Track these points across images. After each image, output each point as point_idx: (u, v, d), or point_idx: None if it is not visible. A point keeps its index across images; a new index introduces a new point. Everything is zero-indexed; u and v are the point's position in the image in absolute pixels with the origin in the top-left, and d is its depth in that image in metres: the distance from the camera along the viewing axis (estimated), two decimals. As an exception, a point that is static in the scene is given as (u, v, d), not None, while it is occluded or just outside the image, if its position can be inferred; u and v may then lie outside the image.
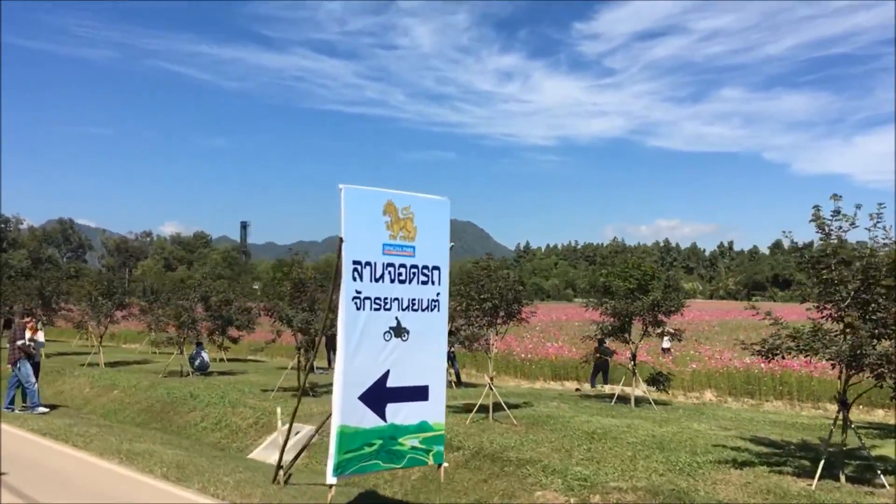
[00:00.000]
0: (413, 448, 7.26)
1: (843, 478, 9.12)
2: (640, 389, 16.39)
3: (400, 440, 7.17)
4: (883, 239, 8.77)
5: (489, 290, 13.26)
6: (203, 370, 22.10)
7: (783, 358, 9.12)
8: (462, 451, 11.53)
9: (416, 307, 7.31)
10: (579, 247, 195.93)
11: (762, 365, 19.93)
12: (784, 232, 9.74)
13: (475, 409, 13.66)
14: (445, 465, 7.75)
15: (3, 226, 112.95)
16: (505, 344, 23.83)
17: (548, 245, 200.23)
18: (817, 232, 9.08)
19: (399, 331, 7.17)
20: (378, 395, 7.01)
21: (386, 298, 7.09)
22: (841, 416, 9.34)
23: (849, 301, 8.73)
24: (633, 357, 15.84)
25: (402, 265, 7.21)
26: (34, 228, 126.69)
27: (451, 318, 12.75)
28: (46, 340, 17.39)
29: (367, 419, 6.95)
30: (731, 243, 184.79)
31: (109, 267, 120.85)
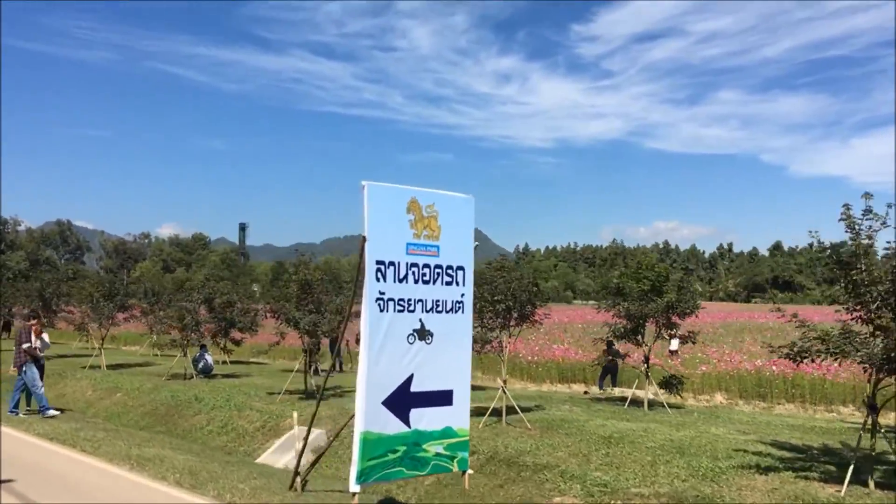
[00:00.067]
0: (437, 455, 7.02)
1: (871, 484, 8.88)
2: (651, 392, 16.15)
3: (424, 446, 6.93)
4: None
5: (502, 292, 13.03)
6: (207, 373, 21.83)
7: (812, 361, 8.88)
8: (476, 456, 11.28)
9: (440, 309, 7.07)
10: (578, 248, 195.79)
11: (773, 367, 19.72)
12: (810, 232, 9.51)
13: (488, 413, 13.42)
14: (470, 471, 7.50)
15: (1, 227, 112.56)
16: (511, 346, 23.52)
17: (547, 247, 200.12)
18: (847, 231, 8.85)
19: (423, 333, 6.93)
20: (402, 400, 6.77)
21: (410, 300, 6.84)
22: (870, 421, 9.10)
23: (878, 303, 8.51)
24: (647, 360, 15.61)
25: (426, 265, 6.96)
26: (32, 230, 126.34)
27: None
28: (47, 342, 17.13)
29: (391, 425, 6.70)
30: (730, 245, 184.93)
31: (108, 269, 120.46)
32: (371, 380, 6.59)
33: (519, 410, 13.42)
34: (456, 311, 7.20)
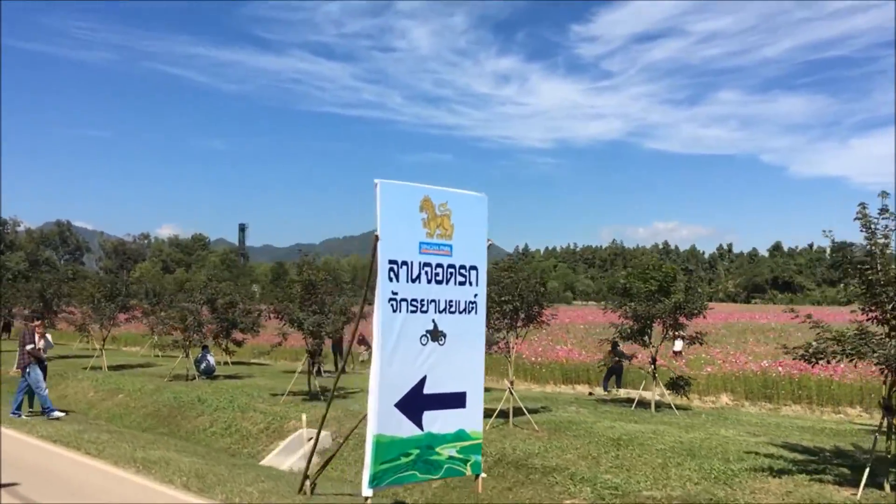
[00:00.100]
0: (450, 458, 6.89)
1: (887, 486, 8.76)
2: (657, 393, 16.03)
3: (437, 449, 6.80)
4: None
5: (510, 292, 12.90)
6: (209, 374, 21.69)
7: (828, 362, 8.76)
8: (485, 458, 11.10)
9: (453, 309, 6.94)
10: (578, 249, 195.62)
11: (780, 368, 19.61)
12: (824, 231, 9.38)
13: (495, 414, 13.29)
14: (483, 475, 7.37)
15: (0, 228, 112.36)
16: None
17: (546, 248, 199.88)
18: (862, 230, 8.73)
19: (436, 334, 6.80)
20: (414, 403, 6.64)
21: (423, 300, 6.71)
22: (885, 423, 8.98)
23: (895, 303, 8.39)
24: (654, 361, 15.48)
25: (439, 265, 6.84)
26: (31, 230, 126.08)
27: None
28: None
29: (404, 428, 6.58)
30: (730, 245, 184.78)
31: (107, 269, 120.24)
32: (384, 381, 6.46)
33: (526, 412, 13.30)
34: (469, 312, 7.08)
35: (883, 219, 8.53)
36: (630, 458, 10.80)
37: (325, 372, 22.37)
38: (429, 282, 6.78)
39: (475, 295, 7.13)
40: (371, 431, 6.42)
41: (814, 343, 8.74)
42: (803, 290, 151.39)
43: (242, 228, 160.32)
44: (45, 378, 14.56)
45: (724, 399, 20.00)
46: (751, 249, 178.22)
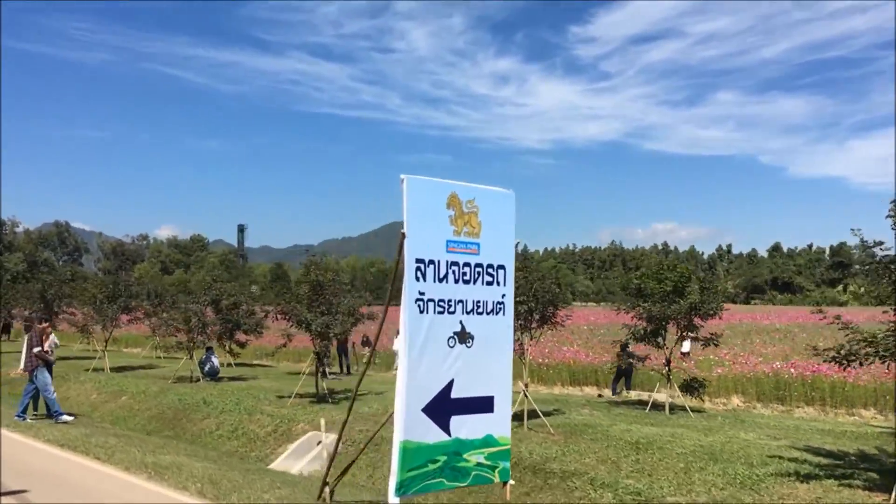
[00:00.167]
0: (478, 464, 6.63)
1: (920, 492, 8.51)
2: (669, 395, 15.79)
3: (465, 456, 6.54)
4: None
5: (524, 292, 12.65)
6: (213, 375, 21.42)
7: (861, 364, 8.52)
8: (501, 463, 10.90)
9: (480, 310, 6.68)
10: (577, 250, 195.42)
11: (792, 370, 19.37)
12: (853, 230, 9.12)
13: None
14: (511, 482, 7.12)
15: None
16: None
17: (545, 248, 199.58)
18: (893, 229, 8.49)
19: (463, 336, 6.53)
20: (442, 407, 6.37)
21: (450, 300, 6.45)
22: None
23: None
24: (668, 362, 15.24)
25: (467, 264, 6.57)
26: (30, 231, 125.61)
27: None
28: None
29: (431, 433, 6.31)
30: (729, 246, 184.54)
31: (106, 270, 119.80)
32: (411, 385, 6.20)
33: (541, 415, 13.05)
34: (497, 313, 6.82)
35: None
36: (651, 463, 10.56)
37: (331, 374, 22.10)
38: (456, 281, 6.52)
39: (503, 295, 6.87)
40: (398, 437, 6.15)
41: (846, 345, 8.50)
42: (803, 290, 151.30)
43: (241, 229, 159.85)
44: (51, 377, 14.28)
45: (735, 401, 19.74)
46: (750, 250, 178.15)
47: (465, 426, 6.58)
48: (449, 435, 6.45)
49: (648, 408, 15.54)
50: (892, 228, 8.53)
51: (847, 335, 8.74)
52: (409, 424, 6.19)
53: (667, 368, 15.14)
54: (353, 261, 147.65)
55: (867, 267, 9.03)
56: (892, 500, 8.29)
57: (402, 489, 6.15)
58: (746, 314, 70.33)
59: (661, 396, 16.30)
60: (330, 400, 16.51)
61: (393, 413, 6.32)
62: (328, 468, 7.38)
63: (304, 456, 13.46)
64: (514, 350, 13.25)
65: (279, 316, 16.61)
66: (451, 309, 6.49)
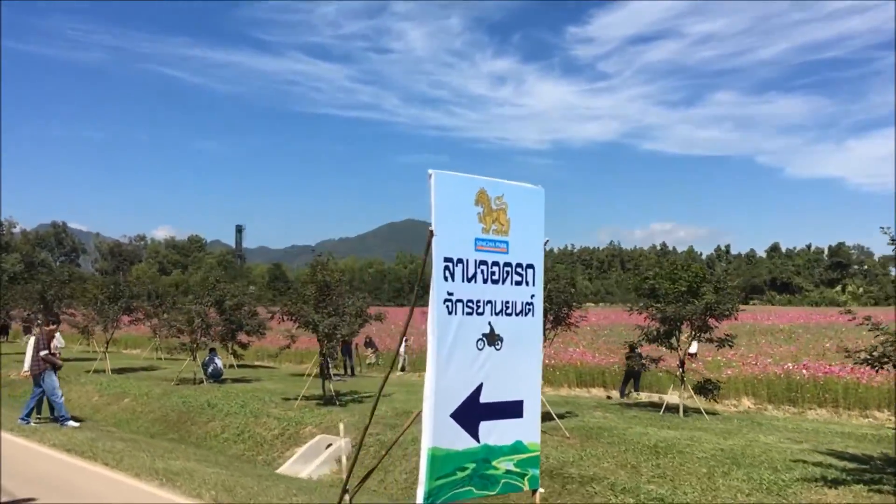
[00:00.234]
0: (507, 472, 6.35)
1: (954, 498, 8.28)
2: (680, 397, 15.56)
3: (494, 463, 6.26)
4: None
5: (538, 293, 12.36)
6: (216, 377, 21.14)
7: (895, 367, 8.27)
8: (518, 467, 10.64)
9: (509, 311, 6.40)
10: (576, 250, 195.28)
11: (804, 371, 19.14)
12: (882, 228, 8.88)
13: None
14: (541, 490, 6.85)
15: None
16: (545, 351, 22.72)
17: (544, 249, 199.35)
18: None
19: (492, 338, 6.26)
20: (471, 413, 6.10)
21: (478, 301, 6.17)
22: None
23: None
24: (682, 364, 14.99)
25: (495, 263, 6.29)
26: (27, 232, 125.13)
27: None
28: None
29: (460, 440, 6.03)
30: (727, 247, 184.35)
31: (103, 271, 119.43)
32: (439, 390, 5.92)
33: (556, 418, 12.79)
34: (526, 314, 6.54)
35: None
36: (672, 467, 10.30)
37: (336, 376, 21.82)
38: (485, 281, 6.24)
39: (532, 296, 6.59)
40: (426, 444, 5.88)
41: (879, 346, 8.25)
42: (801, 290, 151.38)
43: (239, 230, 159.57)
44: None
45: (746, 402, 19.50)
46: (748, 250, 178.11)
47: (494, 432, 6.31)
48: (478, 441, 6.19)
49: (662, 410, 15.26)
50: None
51: (877, 336, 8.49)
52: (437, 431, 5.92)
53: (680, 370, 14.88)
54: (351, 261, 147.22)
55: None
56: (926, 507, 8.05)
57: (430, 498, 5.87)
58: (747, 315, 70.03)
59: (674, 398, 16.06)
60: (337, 402, 16.23)
61: (418, 412, 6.07)
62: (348, 474, 7.11)
63: (312, 460, 13.18)
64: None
65: (285, 317, 16.31)
66: (480, 310, 6.23)
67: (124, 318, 25.14)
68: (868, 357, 8.31)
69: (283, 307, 16.28)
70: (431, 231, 5.96)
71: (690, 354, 23.66)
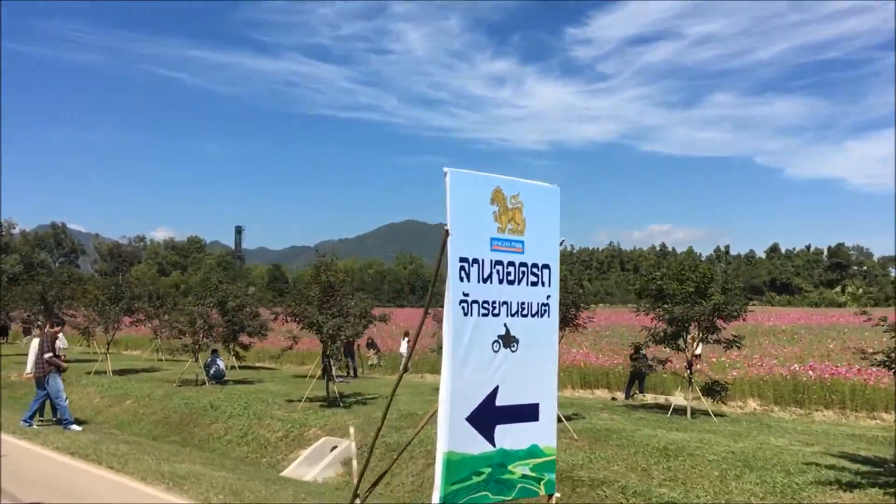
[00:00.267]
0: (523, 476, 6.22)
1: (972, 502, 8.16)
2: (688, 398, 15.43)
3: (510, 467, 6.12)
4: None
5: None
6: (218, 379, 21.00)
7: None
8: (526, 470, 10.51)
9: (525, 312, 6.27)
10: (575, 251, 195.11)
11: (810, 372, 19.02)
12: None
13: (530, 423, 12.62)
14: (557, 495, 6.72)
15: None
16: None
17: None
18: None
19: (508, 340, 6.13)
20: (486, 416, 5.96)
21: (494, 302, 6.03)
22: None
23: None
24: (689, 366, 14.87)
25: (511, 263, 6.16)
26: (26, 233, 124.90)
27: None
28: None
29: (475, 444, 5.90)
30: (727, 248, 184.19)
31: (102, 272, 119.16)
32: (455, 393, 5.78)
33: (564, 420, 12.66)
34: (541, 315, 6.41)
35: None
36: (683, 470, 10.17)
37: (338, 377, 21.68)
38: (500, 282, 6.11)
39: (548, 296, 6.46)
40: (441, 448, 5.74)
41: (897, 348, 8.14)
42: (801, 291, 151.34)
43: (239, 231, 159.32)
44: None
45: (752, 404, 19.38)
46: (748, 251, 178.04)
47: (510, 436, 6.18)
48: (493, 445, 6.06)
49: (670, 412, 15.14)
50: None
51: (893, 336, 8.38)
52: (453, 435, 5.79)
53: (688, 371, 14.76)
54: (350, 262, 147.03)
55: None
56: (944, 511, 7.92)
57: (445, 503, 5.75)
58: (749, 315, 69.97)
59: (680, 400, 15.95)
60: (341, 404, 16.10)
61: (432, 414, 5.95)
62: (359, 478, 6.98)
63: (317, 462, 13.05)
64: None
65: (289, 318, 16.17)
66: (496, 311, 6.10)
67: (125, 320, 24.98)
68: (885, 359, 8.19)
69: (286, 308, 16.13)
70: (447, 230, 5.82)
71: (695, 356, 23.55)
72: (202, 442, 15.19)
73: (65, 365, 13.88)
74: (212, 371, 20.88)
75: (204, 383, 20.02)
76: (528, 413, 6.31)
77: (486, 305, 6.01)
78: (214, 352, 21.81)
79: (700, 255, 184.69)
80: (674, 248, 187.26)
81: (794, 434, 12.98)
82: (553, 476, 6.55)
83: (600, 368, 23.07)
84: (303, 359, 29.97)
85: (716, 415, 15.02)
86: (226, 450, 14.55)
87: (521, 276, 6.27)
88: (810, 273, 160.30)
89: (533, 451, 6.34)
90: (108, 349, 23.95)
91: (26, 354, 15.07)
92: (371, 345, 29.54)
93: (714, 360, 22.65)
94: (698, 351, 23.29)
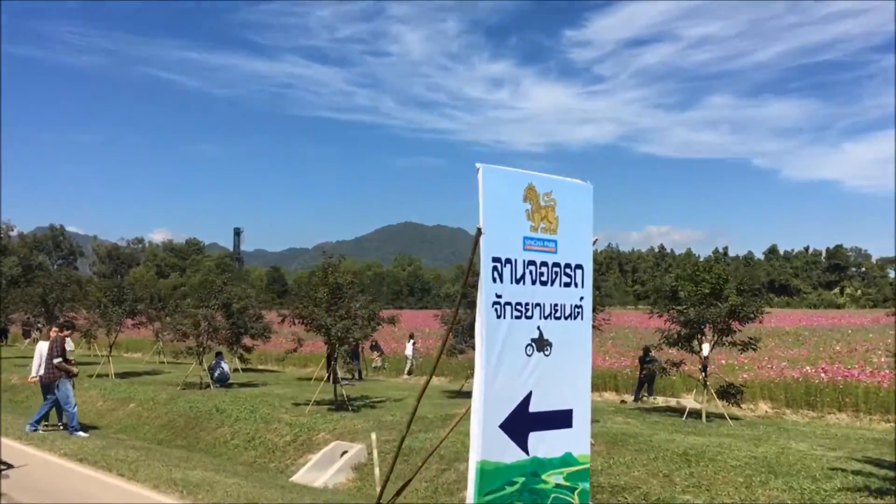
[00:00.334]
0: (557, 486, 5.98)
1: None
2: (698, 401, 15.19)
3: (543, 477, 5.88)
4: None
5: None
6: (223, 382, 20.73)
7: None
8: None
9: (558, 314, 6.02)
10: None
11: (822, 375, 18.80)
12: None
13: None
14: (591, 504, 6.47)
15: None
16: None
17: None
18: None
19: (541, 343, 5.88)
20: (520, 423, 5.72)
21: (527, 304, 5.79)
22: None
23: None
24: (704, 368, 14.63)
25: (544, 263, 5.91)
26: (24, 235, 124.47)
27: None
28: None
29: (509, 452, 5.66)
30: (725, 249, 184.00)
31: (101, 274, 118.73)
32: (489, 399, 5.54)
33: (580, 424, 12.38)
34: (575, 318, 6.16)
35: None
36: (707, 476, 9.92)
37: (343, 380, 21.43)
38: (533, 283, 5.86)
39: (581, 298, 6.21)
40: (474, 457, 5.49)
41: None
42: (799, 293, 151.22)
43: (238, 233, 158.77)
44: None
45: (764, 407, 19.16)
46: (746, 253, 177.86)
47: (543, 443, 5.93)
48: (527, 454, 5.81)
49: (685, 415, 14.89)
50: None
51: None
52: (486, 443, 5.54)
53: (703, 374, 14.52)
54: (349, 264, 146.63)
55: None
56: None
57: (479, 515, 5.50)
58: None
59: (693, 402, 15.71)
60: (349, 407, 15.83)
61: (460, 418, 5.72)
62: (382, 487, 6.73)
63: (327, 468, 12.78)
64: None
65: (296, 320, 15.92)
66: (529, 313, 5.85)
67: (127, 322, 24.70)
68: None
69: (293, 310, 15.87)
70: (479, 229, 5.58)
71: (703, 358, 23.32)
72: (209, 446, 14.92)
73: (75, 370, 13.59)
74: (216, 374, 20.60)
75: (208, 386, 19.74)
76: (561, 419, 6.07)
77: (519, 307, 5.77)
78: (219, 354, 21.54)
79: (699, 256, 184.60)
80: (672, 250, 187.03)
81: (814, 438, 12.74)
82: (587, 485, 6.31)
83: (608, 371, 22.85)
84: (306, 361, 29.73)
85: (732, 418, 14.78)
86: (233, 454, 14.29)
87: (553, 276, 6.03)
88: (809, 274, 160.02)
89: (567, 460, 6.09)
90: (110, 351, 23.66)
91: (27, 357, 14.78)
92: (375, 347, 29.28)
93: (723, 362, 22.42)
94: (705, 352, 23.09)
